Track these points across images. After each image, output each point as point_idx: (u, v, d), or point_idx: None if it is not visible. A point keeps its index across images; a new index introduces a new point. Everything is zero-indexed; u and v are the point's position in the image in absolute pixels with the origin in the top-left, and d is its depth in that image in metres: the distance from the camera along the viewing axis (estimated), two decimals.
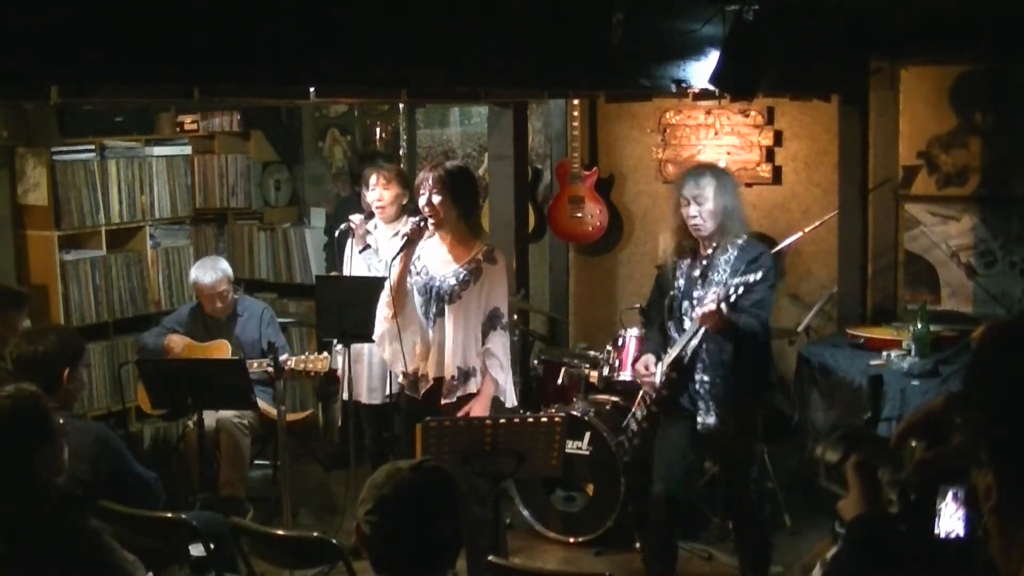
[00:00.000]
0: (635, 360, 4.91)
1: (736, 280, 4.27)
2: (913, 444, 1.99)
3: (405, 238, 4.61)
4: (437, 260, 4.69)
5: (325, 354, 5.54)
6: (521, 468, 4.15)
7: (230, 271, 6.05)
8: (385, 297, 4.66)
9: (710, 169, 4.66)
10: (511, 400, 4.74)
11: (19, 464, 3.10)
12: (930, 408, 2.11)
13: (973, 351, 1.64)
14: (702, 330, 4.43)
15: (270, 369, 5.26)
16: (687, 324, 4.54)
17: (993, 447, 1.46)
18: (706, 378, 4.51)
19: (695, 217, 4.47)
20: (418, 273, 4.67)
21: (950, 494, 1.84)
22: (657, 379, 4.60)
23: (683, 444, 4.64)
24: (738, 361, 4.48)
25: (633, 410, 4.85)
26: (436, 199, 4.56)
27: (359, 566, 3.24)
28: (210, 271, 5.94)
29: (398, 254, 4.60)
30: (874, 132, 6.23)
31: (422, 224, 4.60)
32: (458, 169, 4.68)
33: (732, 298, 4.25)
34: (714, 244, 4.51)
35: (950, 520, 1.88)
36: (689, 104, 6.46)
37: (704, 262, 4.53)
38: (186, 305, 6.20)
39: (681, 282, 4.60)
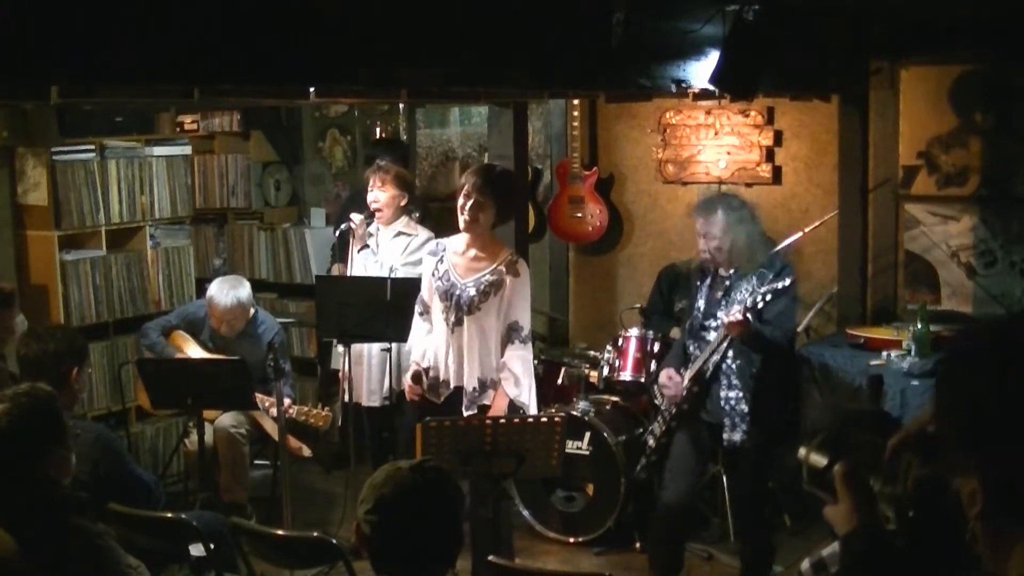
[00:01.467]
0: (655, 373, 4.92)
1: (764, 288, 4.30)
2: (908, 457, 1.95)
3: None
4: (460, 266, 4.67)
5: (327, 411, 5.41)
6: (521, 468, 4.15)
7: (249, 300, 5.76)
8: (419, 307, 4.75)
9: (721, 203, 4.62)
10: (533, 410, 4.72)
11: (31, 464, 3.11)
12: (924, 421, 2.08)
13: (945, 359, 1.56)
14: (726, 343, 4.47)
15: (272, 410, 5.24)
16: (711, 337, 4.57)
17: (986, 456, 1.43)
18: (732, 395, 4.54)
19: (704, 252, 4.57)
20: (440, 278, 4.66)
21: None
22: (681, 392, 4.63)
23: (695, 454, 4.70)
24: (765, 376, 4.52)
25: (651, 427, 4.85)
26: (480, 202, 4.54)
27: (359, 566, 3.24)
28: (228, 295, 5.66)
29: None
30: (874, 132, 6.23)
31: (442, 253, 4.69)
32: (505, 174, 4.68)
33: (760, 304, 4.29)
34: (733, 269, 4.56)
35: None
36: (689, 104, 6.45)
37: (727, 283, 4.58)
38: (201, 305, 5.97)
39: (701, 303, 4.65)
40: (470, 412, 4.59)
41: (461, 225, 4.59)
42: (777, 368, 4.57)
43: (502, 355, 4.60)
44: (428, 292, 4.73)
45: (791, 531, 5.49)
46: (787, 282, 4.32)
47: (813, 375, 5.55)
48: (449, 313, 4.64)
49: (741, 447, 4.56)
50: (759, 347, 4.47)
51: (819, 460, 2.06)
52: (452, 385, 4.66)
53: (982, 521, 1.41)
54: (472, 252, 4.67)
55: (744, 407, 4.52)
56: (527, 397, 4.64)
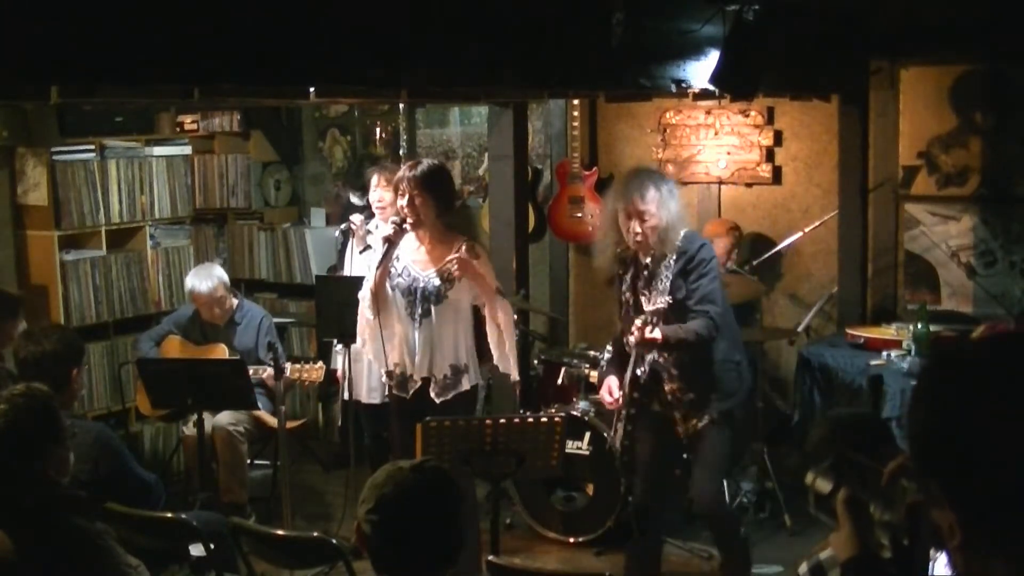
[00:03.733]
0: (599, 387, 4.75)
1: (651, 308, 4.20)
2: (905, 484, 1.95)
3: (387, 243, 4.65)
4: (420, 261, 4.73)
5: (320, 363, 5.52)
6: (521, 468, 4.16)
7: (226, 277, 6.01)
8: (367, 300, 4.69)
9: (651, 180, 4.38)
10: (515, 373, 4.77)
11: (30, 464, 3.11)
12: None
13: (915, 386, 1.53)
14: (646, 353, 4.37)
15: (266, 376, 5.28)
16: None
17: (950, 488, 1.41)
18: (675, 386, 4.41)
19: (638, 234, 4.31)
20: (399, 275, 4.70)
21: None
22: (620, 402, 4.50)
23: (657, 451, 4.58)
24: (702, 363, 4.39)
25: (611, 434, 4.73)
26: (416, 199, 4.60)
27: (359, 566, 3.24)
28: (206, 279, 5.89)
29: (383, 259, 4.63)
30: (874, 132, 6.23)
31: (403, 226, 4.65)
32: (435, 168, 4.72)
33: (650, 327, 4.17)
34: (652, 252, 4.36)
35: (944, 568, 1.84)
36: (689, 104, 6.46)
37: (646, 272, 4.40)
38: (187, 307, 6.17)
39: (628, 295, 4.49)
40: (442, 399, 4.65)
41: (408, 227, 4.67)
42: (711, 350, 4.39)
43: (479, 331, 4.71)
44: (377, 287, 4.70)
45: (791, 531, 5.49)
46: (699, 278, 4.23)
47: (813, 375, 5.56)
48: (415, 307, 4.69)
49: (699, 433, 4.43)
50: (684, 346, 4.32)
51: (824, 486, 2.08)
52: (419, 378, 4.70)
53: (962, 553, 1.39)
54: (427, 247, 4.74)
55: (691, 395, 4.40)
56: (512, 354, 4.71)
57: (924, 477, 1.43)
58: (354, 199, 6.81)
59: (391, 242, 4.66)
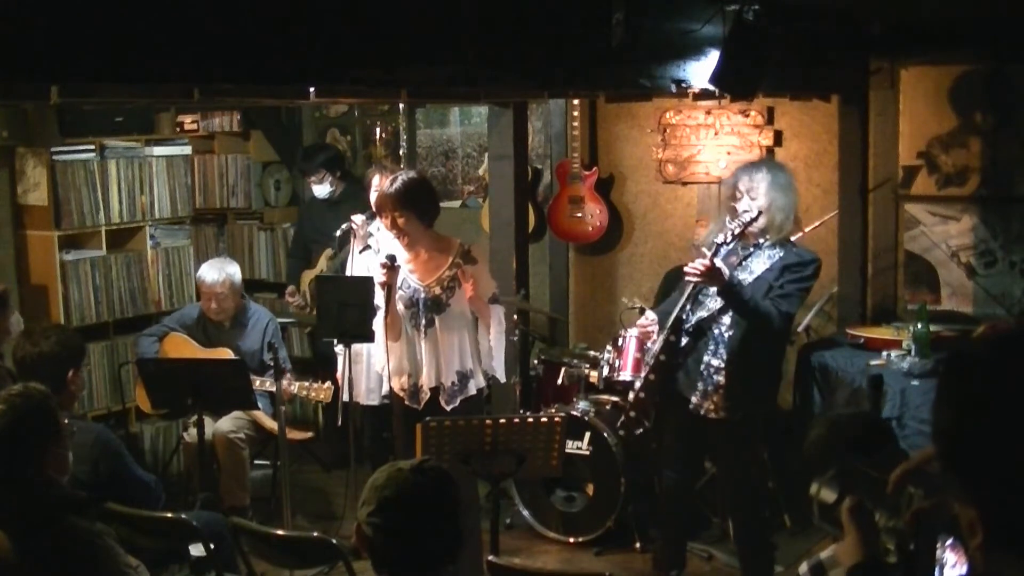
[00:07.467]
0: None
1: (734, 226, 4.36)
2: (911, 491, 1.95)
3: (386, 288, 4.61)
4: (417, 272, 4.73)
5: (328, 384, 5.49)
6: (521, 468, 4.16)
7: (237, 278, 5.94)
8: (382, 338, 4.69)
9: (766, 164, 4.69)
10: (501, 375, 4.81)
11: (28, 464, 3.11)
12: (927, 455, 2.06)
13: (939, 381, 1.50)
14: (709, 299, 4.46)
15: (269, 387, 5.28)
16: (711, 303, 4.52)
17: (973, 484, 1.40)
18: (714, 362, 4.48)
19: (745, 213, 4.47)
20: (400, 287, 4.69)
21: (948, 543, 1.80)
22: (657, 346, 4.57)
23: (685, 430, 4.67)
24: (751, 353, 4.47)
25: (633, 391, 4.76)
26: (397, 219, 4.58)
27: (359, 566, 3.24)
28: (215, 271, 5.87)
29: (386, 303, 4.60)
30: (874, 132, 6.23)
31: (395, 264, 4.62)
32: (408, 182, 4.66)
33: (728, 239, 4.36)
34: (762, 237, 4.51)
35: (951, 570, 1.84)
36: (689, 104, 6.45)
37: (751, 248, 4.52)
38: (194, 305, 6.16)
39: (718, 263, 4.54)
40: (451, 406, 4.67)
41: (401, 244, 4.68)
42: (767, 352, 4.51)
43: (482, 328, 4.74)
44: (391, 322, 4.72)
45: (791, 532, 5.49)
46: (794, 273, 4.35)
47: (813, 375, 5.55)
48: (418, 318, 4.68)
49: (714, 420, 4.49)
50: (738, 306, 4.37)
51: (828, 496, 2.09)
52: (428, 388, 4.69)
53: (982, 551, 1.39)
54: (423, 256, 4.72)
55: (720, 379, 4.46)
56: (500, 356, 4.75)
57: (949, 474, 1.42)
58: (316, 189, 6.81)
59: (389, 285, 4.62)
